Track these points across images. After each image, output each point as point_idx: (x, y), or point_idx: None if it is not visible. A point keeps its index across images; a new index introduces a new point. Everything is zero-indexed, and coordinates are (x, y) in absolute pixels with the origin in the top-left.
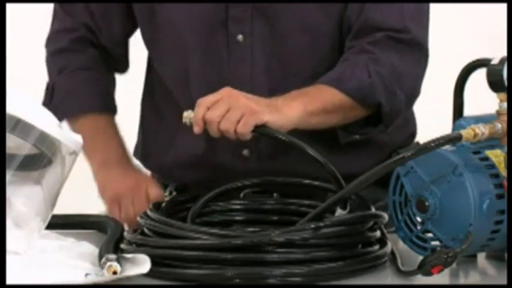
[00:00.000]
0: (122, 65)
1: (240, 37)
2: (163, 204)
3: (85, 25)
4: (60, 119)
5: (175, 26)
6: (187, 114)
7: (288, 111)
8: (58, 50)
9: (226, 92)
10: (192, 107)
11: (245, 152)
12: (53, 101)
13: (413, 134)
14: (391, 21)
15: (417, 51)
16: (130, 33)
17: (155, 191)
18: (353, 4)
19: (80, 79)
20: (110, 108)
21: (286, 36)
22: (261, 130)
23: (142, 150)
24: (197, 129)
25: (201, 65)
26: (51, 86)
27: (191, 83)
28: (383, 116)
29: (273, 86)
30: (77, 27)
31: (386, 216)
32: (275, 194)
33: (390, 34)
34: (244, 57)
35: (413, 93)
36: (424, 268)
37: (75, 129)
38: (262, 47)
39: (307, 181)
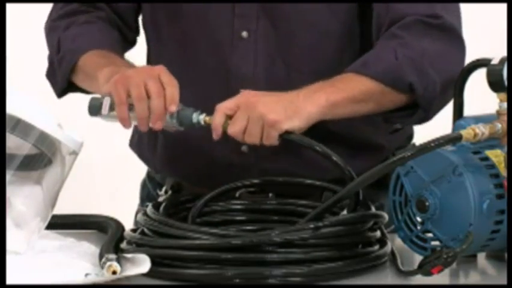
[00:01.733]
0: (132, 33)
1: (244, 34)
2: (163, 204)
3: None
4: (68, 63)
5: (182, 17)
6: (209, 119)
7: (307, 107)
8: (63, 14)
9: (244, 99)
10: (190, 101)
11: (244, 148)
12: (61, 51)
13: (411, 136)
14: (421, 10)
15: (450, 35)
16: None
17: (167, 76)
18: (378, 5)
19: (89, 28)
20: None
21: (290, 36)
22: (286, 136)
23: (137, 143)
24: (215, 136)
25: (204, 60)
26: (57, 41)
27: (192, 77)
28: (418, 99)
29: (275, 84)
30: None
31: (386, 216)
32: (270, 194)
33: (420, 18)
34: (247, 54)
35: (449, 76)
36: (424, 268)
37: (82, 67)
38: (266, 44)
39: (309, 181)
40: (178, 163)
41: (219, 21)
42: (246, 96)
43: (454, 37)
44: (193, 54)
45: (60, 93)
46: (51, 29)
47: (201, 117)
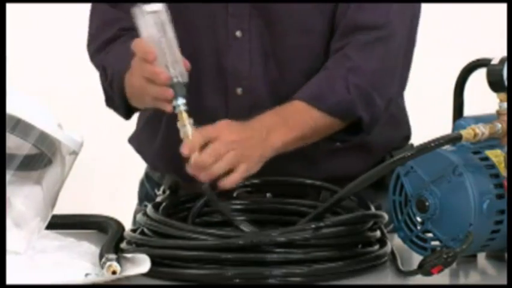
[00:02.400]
0: None
1: (238, 33)
2: (163, 204)
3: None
4: (119, 84)
5: (176, 21)
6: (184, 118)
7: (265, 151)
8: (106, 41)
9: (222, 135)
10: (186, 99)
11: None
12: (108, 76)
13: (408, 136)
14: (374, 18)
15: (398, 44)
16: None
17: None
18: (343, 4)
19: (125, 46)
20: None
21: (283, 36)
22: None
23: (137, 137)
24: (186, 152)
25: (200, 61)
26: (102, 67)
27: (188, 75)
28: (364, 126)
29: (270, 82)
30: (123, 17)
31: (386, 216)
32: (268, 194)
33: (372, 35)
34: (242, 53)
35: (391, 95)
36: (424, 268)
37: (127, 84)
38: (260, 43)
39: (309, 181)
40: (175, 160)
41: (213, 20)
42: (222, 132)
43: (401, 45)
44: (190, 52)
45: (126, 115)
46: (96, 59)
47: (181, 108)
